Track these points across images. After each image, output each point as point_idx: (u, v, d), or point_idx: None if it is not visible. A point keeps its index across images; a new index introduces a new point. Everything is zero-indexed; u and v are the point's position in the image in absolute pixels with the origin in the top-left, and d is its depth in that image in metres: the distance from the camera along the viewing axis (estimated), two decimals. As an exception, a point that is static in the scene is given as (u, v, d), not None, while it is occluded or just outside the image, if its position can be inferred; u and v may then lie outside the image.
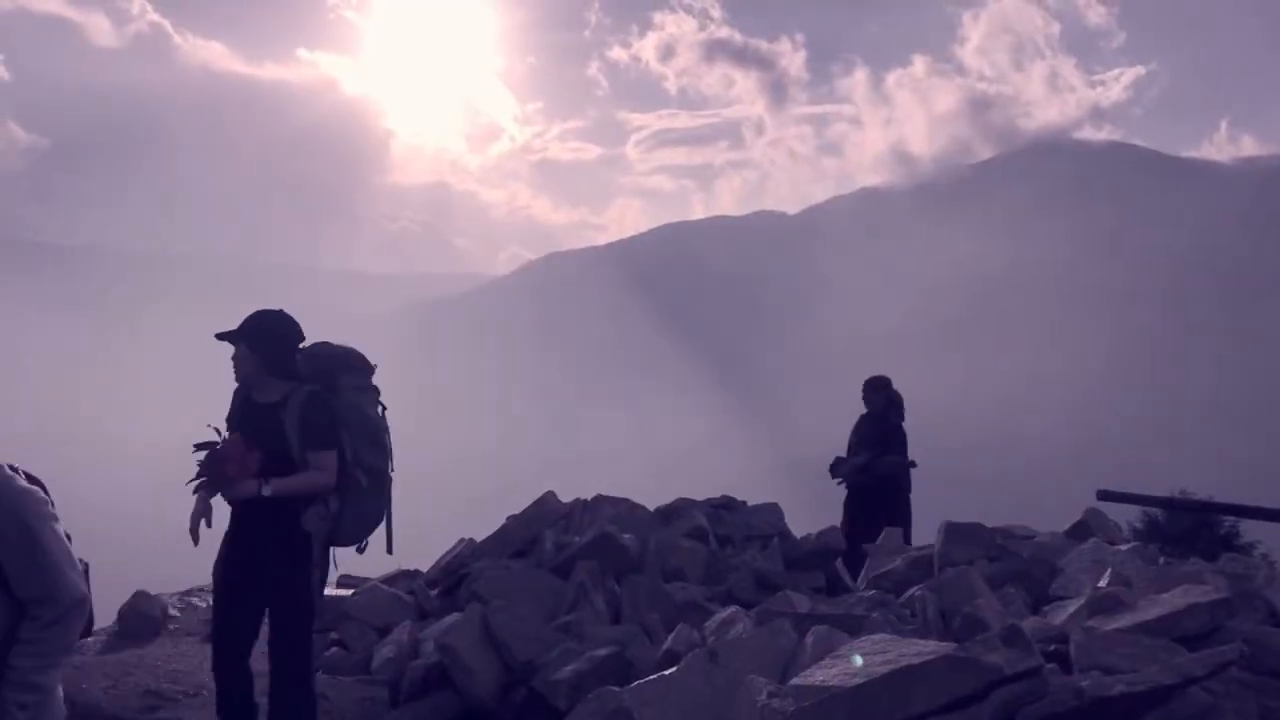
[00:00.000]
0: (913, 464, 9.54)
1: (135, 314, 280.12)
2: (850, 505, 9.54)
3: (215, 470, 4.55)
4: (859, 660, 3.98)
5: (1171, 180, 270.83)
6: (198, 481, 4.62)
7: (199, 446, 4.62)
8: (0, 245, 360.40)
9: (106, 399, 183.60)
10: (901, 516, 9.17)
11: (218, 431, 4.71)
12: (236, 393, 4.94)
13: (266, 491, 4.54)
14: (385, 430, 5.15)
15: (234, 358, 4.83)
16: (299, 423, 4.68)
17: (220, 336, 4.85)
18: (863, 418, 9.75)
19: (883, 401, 9.66)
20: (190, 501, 4.74)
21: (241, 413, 4.84)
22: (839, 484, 9.67)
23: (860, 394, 9.84)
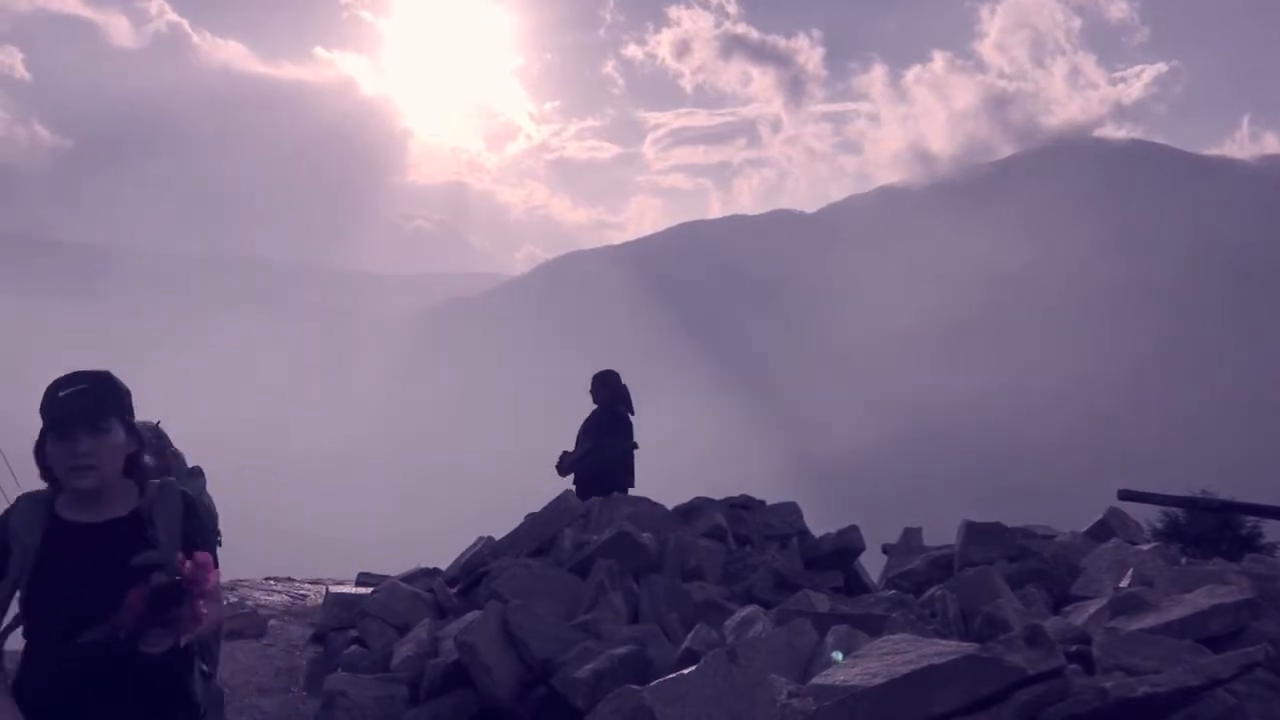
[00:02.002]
0: (635, 446, 9.72)
1: (156, 314, 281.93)
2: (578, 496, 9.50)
3: (177, 607, 2.74)
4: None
5: (1193, 178, 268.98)
6: (141, 631, 2.74)
7: (144, 575, 2.80)
8: (25, 245, 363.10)
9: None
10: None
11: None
12: (23, 510, 2.99)
13: (187, 637, 2.79)
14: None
15: (80, 451, 2.91)
16: (180, 542, 2.97)
17: (75, 412, 2.93)
18: (592, 412, 9.84)
19: (609, 395, 9.76)
20: None
21: (55, 538, 2.94)
22: (563, 476, 9.73)
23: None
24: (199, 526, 3.10)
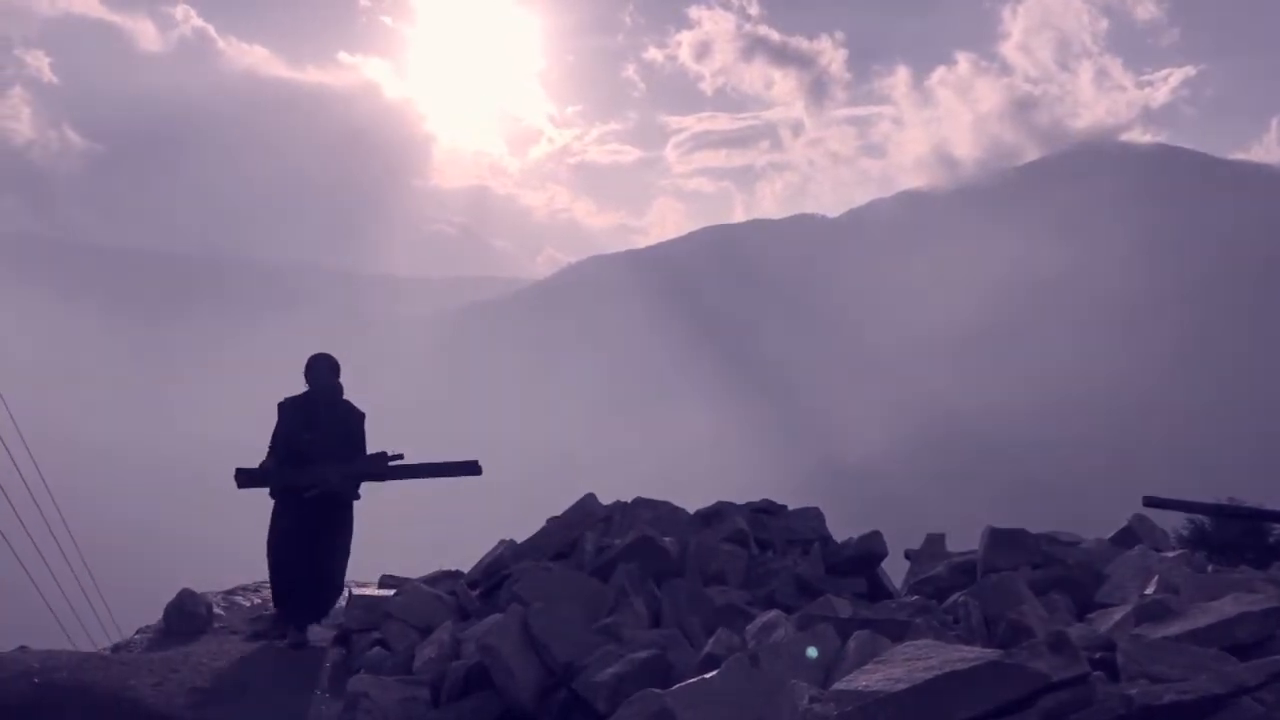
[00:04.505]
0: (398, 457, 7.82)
1: (181, 317, 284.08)
2: (307, 517, 7.48)
3: None
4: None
5: (1221, 183, 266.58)
6: None
7: None
8: (60, 249, 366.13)
9: (157, 402, 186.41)
10: (348, 531, 7.82)
11: None
12: None
13: None
14: None
15: None
16: None
17: None
18: (313, 403, 7.66)
19: (340, 386, 7.78)
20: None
21: None
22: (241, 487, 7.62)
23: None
24: None
